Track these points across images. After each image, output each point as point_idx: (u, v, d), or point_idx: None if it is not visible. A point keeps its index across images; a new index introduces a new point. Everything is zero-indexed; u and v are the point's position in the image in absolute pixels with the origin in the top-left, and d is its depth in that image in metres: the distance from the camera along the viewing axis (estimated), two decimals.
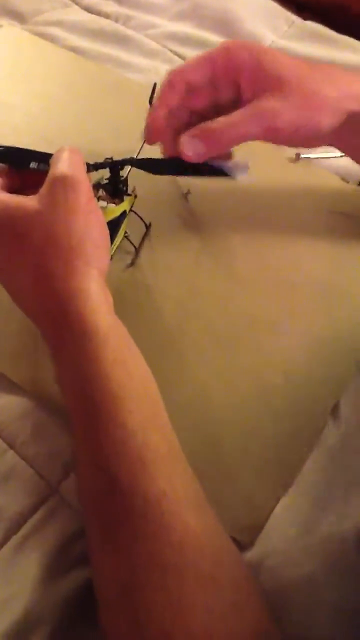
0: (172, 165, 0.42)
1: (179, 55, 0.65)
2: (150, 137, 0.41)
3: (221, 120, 0.39)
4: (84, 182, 0.35)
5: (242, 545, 0.35)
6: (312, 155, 0.53)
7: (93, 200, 0.36)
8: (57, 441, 0.38)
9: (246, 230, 0.49)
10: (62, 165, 0.35)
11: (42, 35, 0.67)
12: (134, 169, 0.42)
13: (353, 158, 0.46)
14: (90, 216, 0.35)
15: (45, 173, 0.36)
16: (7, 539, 0.34)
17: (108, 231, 0.37)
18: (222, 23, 0.66)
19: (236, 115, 0.39)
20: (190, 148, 0.39)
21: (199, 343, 0.43)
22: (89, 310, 0.33)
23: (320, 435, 0.38)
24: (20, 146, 0.40)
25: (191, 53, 0.65)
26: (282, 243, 0.48)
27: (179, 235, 0.42)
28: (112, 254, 0.42)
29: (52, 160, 0.37)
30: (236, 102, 0.41)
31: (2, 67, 0.64)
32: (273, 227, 0.49)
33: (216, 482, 0.37)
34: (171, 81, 0.40)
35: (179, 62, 0.64)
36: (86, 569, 0.34)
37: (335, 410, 0.39)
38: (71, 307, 0.33)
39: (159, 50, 0.65)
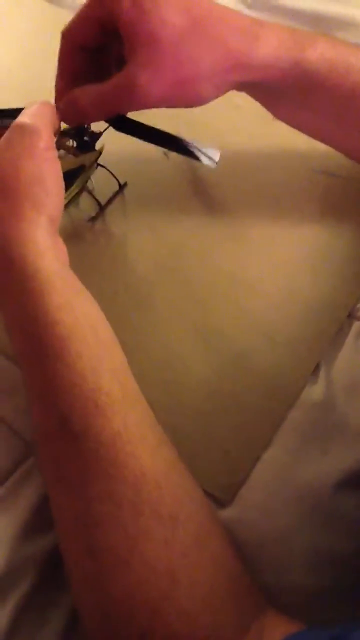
0: (145, 130, 0.41)
1: None
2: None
3: (89, 92, 0.37)
4: (44, 131, 0.35)
5: (222, 503, 0.35)
6: None
7: (52, 149, 0.36)
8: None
9: (228, 189, 0.48)
10: (25, 114, 0.36)
11: None
12: None
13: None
14: (45, 163, 0.35)
15: None
16: None
17: (63, 181, 0.37)
18: None
19: (105, 88, 0.36)
20: (63, 112, 0.38)
21: (176, 301, 0.42)
22: (33, 254, 0.33)
23: (299, 394, 0.39)
24: None
25: None
26: (265, 202, 0.47)
27: (157, 193, 0.42)
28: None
29: (22, 112, 0.36)
30: None
31: None
32: (256, 186, 0.48)
33: (194, 441, 0.37)
34: (63, 44, 0.38)
35: None
36: None
37: (315, 370, 0.40)
38: (15, 251, 0.33)
39: None
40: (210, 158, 0.41)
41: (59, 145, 0.42)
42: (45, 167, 0.35)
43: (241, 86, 0.38)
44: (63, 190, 0.37)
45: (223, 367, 0.40)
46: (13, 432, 0.37)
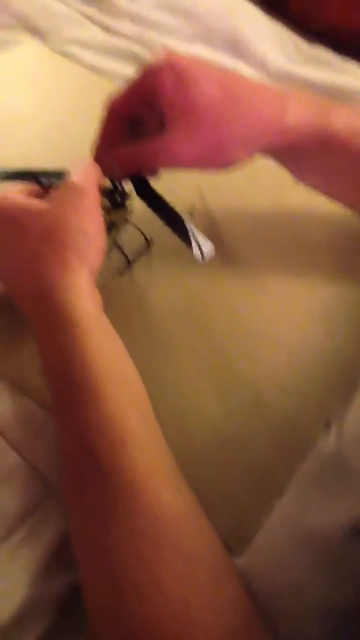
0: (158, 202, 0.43)
1: None
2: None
3: (131, 148, 0.41)
4: (91, 191, 0.39)
5: (234, 552, 0.36)
6: None
7: (97, 206, 0.40)
8: (56, 443, 0.39)
9: (249, 247, 0.51)
10: (75, 175, 0.40)
11: (59, 52, 0.70)
12: None
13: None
14: (90, 218, 0.39)
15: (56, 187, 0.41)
16: (7, 536, 0.36)
17: (105, 235, 0.40)
18: (232, 45, 0.68)
19: (146, 145, 0.40)
20: (105, 164, 0.42)
21: (195, 351, 0.44)
22: (75, 301, 0.36)
23: (313, 444, 0.40)
24: (29, 167, 0.44)
25: None
26: (284, 261, 0.50)
27: (182, 249, 0.44)
28: None
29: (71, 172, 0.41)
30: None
31: (20, 81, 0.67)
32: (276, 246, 0.51)
33: (208, 490, 0.37)
34: (108, 114, 0.43)
35: None
36: None
37: (327, 422, 0.41)
38: (58, 296, 0.36)
39: None
40: (202, 252, 0.41)
41: None
42: (90, 221, 0.38)
43: (269, 150, 0.42)
44: (104, 244, 0.40)
45: (237, 415, 0.41)
46: (36, 473, 0.38)
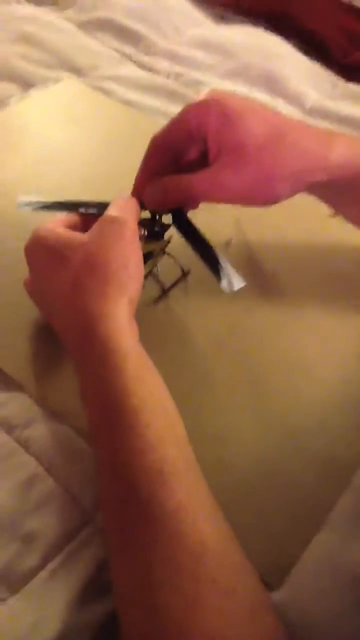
0: (194, 234, 0.44)
1: None
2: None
3: (176, 180, 0.42)
4: (130, 225, 0.40)
5: (272, 586, 0.35)
6: None
7: (135, 240, 0.41)
8: (93, 469, 0.39)
9: (286, 279, 0.51)
10: (114, 208, 0.41)
11: (98, 88, 0.73)
12: None
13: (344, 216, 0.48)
14: (129, 251, 0.40)
15: (95, 216, 0.42)
16: (44, 564, 0.36)
17: (143, 267, 0.41)
18: (268, 82, 0.70)
19: (190, 178, 0.41)
20: (149, 195, 0.43)
21: (232, 381, 0.44)
22: (115, 331, 0.36)
23: (351, 478, 0.39)
24: (69, 198, 0.46)
25: None
26: (320, 293, 0.50)
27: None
28: None
29: (110, 205, 0.42)
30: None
31: (60, 116, 0.69)
32: (312, 278, 0.51)
33: (245, 522, 0.37)
34: (152, 148, 0.43)
35: None
36: None
37: None
38: (99, 326, 0.37)
39: None
40: (230, 283, 0.41)
41: None
42: (130, 254, 0.39)
43: (313, 186, 0.43)
44: (143, 276, 0.41)
45: (275, 447, 0.41)
46: (73, 499, 0.38)
